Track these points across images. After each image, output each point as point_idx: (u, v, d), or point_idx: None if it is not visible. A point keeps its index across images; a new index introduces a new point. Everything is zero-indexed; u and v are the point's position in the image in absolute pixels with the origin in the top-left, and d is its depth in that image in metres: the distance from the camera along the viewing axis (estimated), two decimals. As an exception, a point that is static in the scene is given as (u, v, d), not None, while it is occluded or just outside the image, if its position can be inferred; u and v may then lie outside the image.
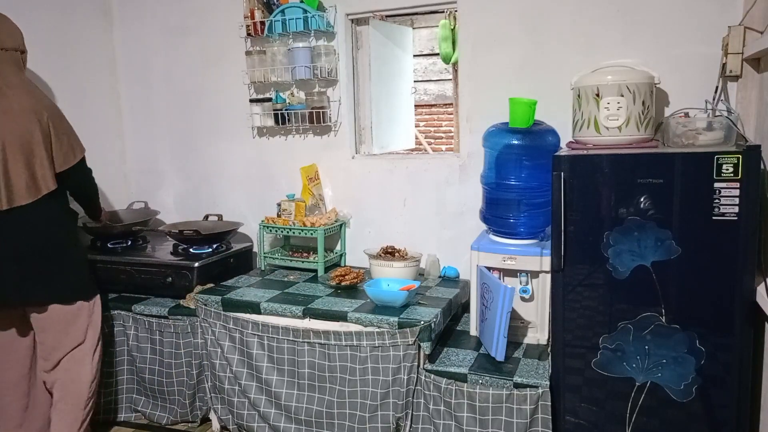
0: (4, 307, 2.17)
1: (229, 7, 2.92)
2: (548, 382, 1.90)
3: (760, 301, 1.69)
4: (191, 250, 2.73)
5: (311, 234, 2.70)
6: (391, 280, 2.37)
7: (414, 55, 3.91)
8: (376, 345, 2.11)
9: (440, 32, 3.42)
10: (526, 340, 2.19)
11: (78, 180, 2.26)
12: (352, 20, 2.81)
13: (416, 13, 3.10)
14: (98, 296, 2.38)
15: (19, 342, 2.30)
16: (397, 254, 2.60)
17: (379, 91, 2.95)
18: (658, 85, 2.01)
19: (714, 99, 2.09)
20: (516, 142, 2.14)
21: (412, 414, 2.11)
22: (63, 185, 2.18)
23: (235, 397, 2.39)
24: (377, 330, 2.10)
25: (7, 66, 2.10)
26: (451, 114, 5.81)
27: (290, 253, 2.87)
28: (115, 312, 2.57)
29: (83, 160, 2.23)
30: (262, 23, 2.79)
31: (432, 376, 2.04)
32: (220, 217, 3.09)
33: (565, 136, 2.18)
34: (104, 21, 3.19)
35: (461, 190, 2.64)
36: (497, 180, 2.20)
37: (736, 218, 1.67)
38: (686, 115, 1.95)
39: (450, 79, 5.30)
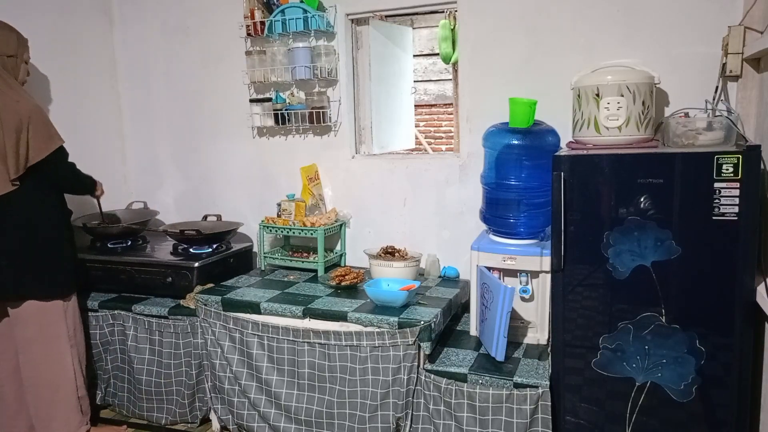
0: None
1: (229, 7, 2.92)
2: (548, 382, 1.90)
3: (760, 301, 1.69)
4: (191, 250, 2.73)
5: (311, 234, 2.70)
6: (391, 280, 2.37)
7: (414, 55, 3.91)
8: (376, 345, 2.11)
9: (440, 32, 3.42)
10: (526, 340, 2.19)
11: (52, 170, 2.27)
12: (352, 20, 2.81)
13: (416, 13, 3.11)
14: (72, 297, 2.39)
15: (12, 331, 2.33)
16: (397, 254, 2.60)
17: (379, 91, 2.95)
18: (658, 85, 2.01)
19: (714, 99, 2.09)
20: (516, 142, 2.14)
21: (412, 414, 2.11)
22: (41, 177, 2.23)
23: (235, 397, 2.39)
24: (377, 330, 2.10)
25: None
26: (451, 114, 5.81)
27: (290, 253, 2.87)
28: (115, 312, 2.57)
29: (59, 150, 2.26)
30: (262, 23, 2.79)
31: (432, 376, 2.04)
32: (219, 217, 3.09)
33: (565, 136, 2.18)
34: (104, 21, 3.19)
35: (461, 190, 2.64)
36: (497, 180, 2.20)
37: (736, 218, 1.67)
38: (686, 115, 1.95)
39: (450, 79, 5.30)
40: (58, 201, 2.36)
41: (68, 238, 2.39)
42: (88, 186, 2.57)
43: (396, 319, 2.09)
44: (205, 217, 3.10)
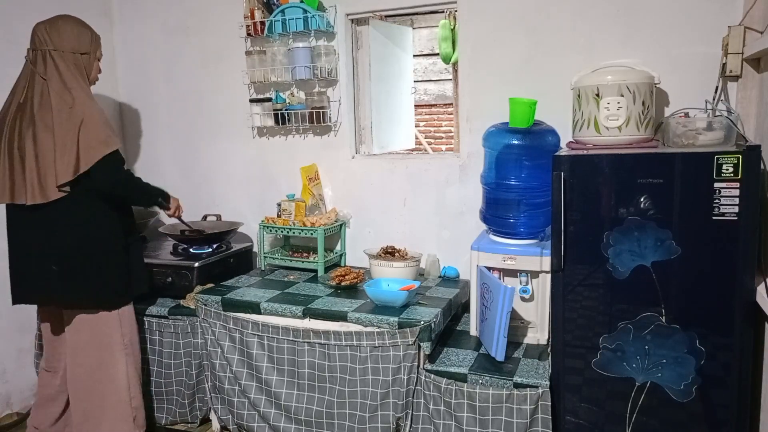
0: (23, 302, 2.19)
1: (229, 7, 2.92)
2: (548, 382, 1.90)
3: (760, 301, 1.69)
4: (191, 250, 2.73)
5: (311, 234, 2.70)
6: (391, 280, 2.37)
7: (414, 55, 3.91)
8: (376, 345, 2.11)
9: (440, 32, 3.42)
10: (526, 340, 2.19)
11: (103, 176, 2.09)
12: (352, 20, 2.81)
13: (416, 13, 3.11)
14: (127, 306, 2.27)
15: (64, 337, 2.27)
16: (397, 254, 2.60)
17: (379, 91, 2.95)
18: (658, 85, 2.01)
19: (714, 99, 2.10)
20: (516, 142, 2.14)
21: (412, 414, 2.11)
22: (92, 184, 2.09)
23: (235, 397, 2.39)
24: (377, 330, 2.10)
25: (62, 67, 2.14)
26: (451, 114, 5.80)
27: (290, 253, 2.86)
28: (115, 312, 2.57)
29: (111, 156, 2.08)
30: (262, 23, 2.79)
31: (432, 376, 2.04)
32: (218, 217, 3.09)
33: (565, 136, 2.18)
34: (104, 21, 3.19)
35: (461, 190, 2.64)
36: (497, 180, 2.20)
37: (736, 218, 1.67)
38: (686, 115, 1.95)
39: (450, 79, 5.29)
40: (111, 209, 2.18)
41: (121, 248, 2.22)
42: (153, 197, 2.38)
43: (396, 319, 2.09)
44: (205, 217, 3.09)
